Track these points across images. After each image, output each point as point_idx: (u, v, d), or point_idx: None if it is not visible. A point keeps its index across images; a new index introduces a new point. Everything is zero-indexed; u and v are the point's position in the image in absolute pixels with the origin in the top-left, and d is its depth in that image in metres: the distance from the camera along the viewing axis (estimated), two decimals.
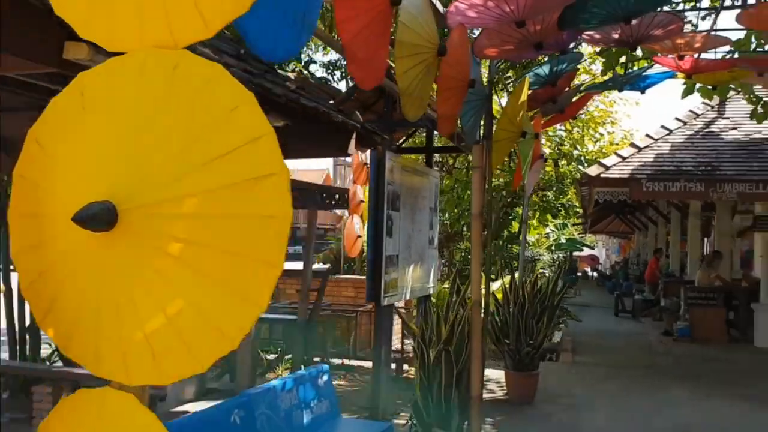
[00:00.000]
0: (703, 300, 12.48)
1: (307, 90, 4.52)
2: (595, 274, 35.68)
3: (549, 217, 14.71)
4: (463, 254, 14.69)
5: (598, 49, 8.12)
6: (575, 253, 35.88)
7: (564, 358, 10.05)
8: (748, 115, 8.86)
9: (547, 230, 22.80)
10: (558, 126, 13.52)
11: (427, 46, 3.17)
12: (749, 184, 9.41)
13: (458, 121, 4.62)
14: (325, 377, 4.92)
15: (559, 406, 7.22)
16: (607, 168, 10.24)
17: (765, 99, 8.72)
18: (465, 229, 14.23)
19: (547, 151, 12.67)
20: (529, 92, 5.47)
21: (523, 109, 4.90)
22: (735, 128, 10.94)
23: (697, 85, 8.56)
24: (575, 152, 13.74)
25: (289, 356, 7.53)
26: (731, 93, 11.86)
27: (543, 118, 6.76)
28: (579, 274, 34.60)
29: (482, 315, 4.14)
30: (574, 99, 6.60)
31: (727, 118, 11.31)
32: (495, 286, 9.25)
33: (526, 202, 8.89)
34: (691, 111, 11.52)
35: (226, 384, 7.26)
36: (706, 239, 20.68)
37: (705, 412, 7.15)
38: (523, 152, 5.53)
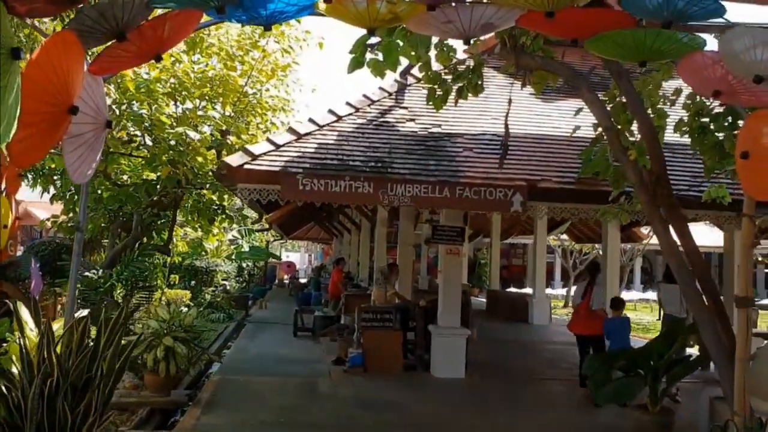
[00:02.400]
0: (378, 322, 10.66)
1: None
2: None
3: (205, 222, 11.75)
4: None
5: None
6: (279, 259, 33.72)
7: (186, 421, 7.12)
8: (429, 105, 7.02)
9: (230, 236, 19.98)
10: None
11: None
12: (424, 186, 7.54)
13: None
14: None
15: None
16: (255, 157, 7.64)
17: (447, 79, 6.87)
18: None
19: (194, 135, 9.70)
20: None
21: None
22: (413, 119, 9.18)
23: (368, 56, 6.36)
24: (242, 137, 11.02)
25: None
26: (410, 80, 10.34)
27: None
28: (275, 283, 32.54)
29: None
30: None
31: (406, 107, 9.56)
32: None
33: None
34: (365, 96, 9.54)
35: None
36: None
37: None
38: None
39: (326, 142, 8.29)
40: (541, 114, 9.79)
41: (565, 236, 25.33)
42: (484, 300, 23.49)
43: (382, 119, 9.08)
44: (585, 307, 9.17)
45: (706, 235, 25.63)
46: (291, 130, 8.42)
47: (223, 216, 11.92)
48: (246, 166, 7.52)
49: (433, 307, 10.70)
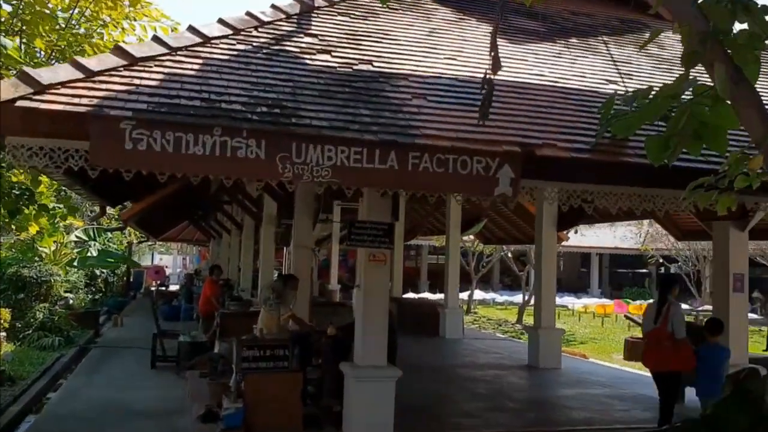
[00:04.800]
0: (266, 361, 7.34)
1: None
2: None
3: (3, 215, 7.75)
4: None
5: None
6: (138, 266, 29.12)
7: None
8: None
9: (73, 237, 15.71)
10: None
11: None
12: (356, 149, 4.37)
13: None
14: None
15: None
16: (43, 88, 4.14)
17: None
18: None
19: None
20: None
21: None
22: (328, 51, 5.92)
23: None
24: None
25: None
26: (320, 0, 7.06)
27: None
28: (141, 292, 27.94)
29: None
30: None
31: (314, 35, 6.25)
32: None
33: None
34: (250, 15, 6.15)
35: None
36: (287, 250, 16.43)
37: None
38: None
39: (182, 73, 4.86)
40: (513, 58, 6.82)
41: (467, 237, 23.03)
42: None
43: (278, 47, 5.73)
44: (666, 334, 6.62)
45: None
46: (118, 51, 4.87)
47: (35, 208, 8.01)
48: (23, 103, 3.97)
49: (346, 336, 7.52)
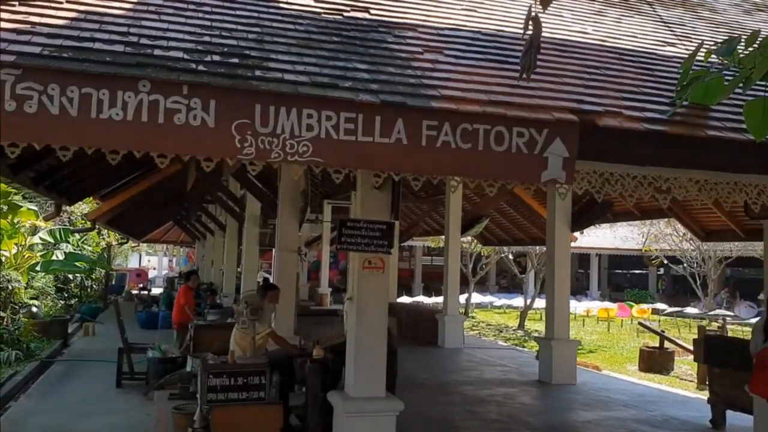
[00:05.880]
0: (238, 391, 6.04)
1: None
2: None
3: None
4: None
5: None
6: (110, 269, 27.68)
7: None
8: None
9: (37, 239, 14.29)
10: None
11: None
12: (347, 114, 3.01)
13: None
14: None
15: None
16: None
17: None
18: None
19: None
20: None
21: None
22: None
23: None
24: None
25: None
26: None
27: None
28: (122, 296, 26.53)
29: None
30: None
31: None
32: None
33: None
34: None
35: None
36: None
37: None
38: None
39: (105, 12, 3.52)
40: (546, 13, 5.51)
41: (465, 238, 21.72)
42: None
43: None
44: None
45: None
46: None
47: None
48: None
49: (336, 358, 6.21)
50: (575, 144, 3.30)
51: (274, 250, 12.31)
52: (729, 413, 7.83)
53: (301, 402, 6.59)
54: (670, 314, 26.85)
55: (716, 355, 7.86)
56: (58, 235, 14.29)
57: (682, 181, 3.78)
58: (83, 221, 18.93)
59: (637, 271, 39.85)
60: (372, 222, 5.76)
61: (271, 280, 11.20)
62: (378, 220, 5.76)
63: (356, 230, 5.73)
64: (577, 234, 21.90)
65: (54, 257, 13.77)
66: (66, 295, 19.60)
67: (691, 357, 13.80)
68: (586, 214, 11.34)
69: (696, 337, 12.14)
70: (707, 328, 12.67)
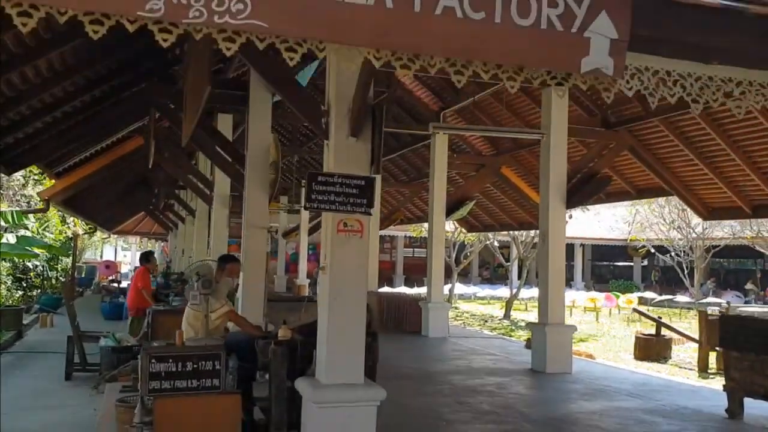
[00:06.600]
0: (186, 378, 5.03)
1: None
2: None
3: None
4: None
5: None
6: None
7: None
8: None
9: None
10: None
11: None
12: None
13: None
14: None
15: None
16: None
17: None
18: None
19: None
20: None
21: None
22: None
23: None
24: None
25: None
26: None
27: None
28: (91, 288, 25.39)
29: None
30: None
31: None
32: None
33: None
34: None
35: None
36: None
37: None
38: None
39: None
40: None
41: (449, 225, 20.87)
42: None
43: None
44: None
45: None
46: None
47: None
48: None
49: (305, 340, 5.25)
50: (627, 22, 2.33)
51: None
52: (746, 401, 7.04)
53: (266, 393, 5.64)
54: (658, 303, 26.28)
55: (735, 337, 7.03)
56: (10, 218, 13.15)
57: (757, 86, 2.82)
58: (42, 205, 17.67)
59: (621, 263, 39.36)
60: (348, 177, 4.83)
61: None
62: (355, 174, 4.84)
63: (329, 185, 4.81)
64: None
65: (4, 240, 12.63)
66: (25, 285, 18.43)
67: (689, 344, 13.09)
68: (580, 191, 10.52)
69: (691, 323, 11.35)
70: (709, 315, 11.92)
